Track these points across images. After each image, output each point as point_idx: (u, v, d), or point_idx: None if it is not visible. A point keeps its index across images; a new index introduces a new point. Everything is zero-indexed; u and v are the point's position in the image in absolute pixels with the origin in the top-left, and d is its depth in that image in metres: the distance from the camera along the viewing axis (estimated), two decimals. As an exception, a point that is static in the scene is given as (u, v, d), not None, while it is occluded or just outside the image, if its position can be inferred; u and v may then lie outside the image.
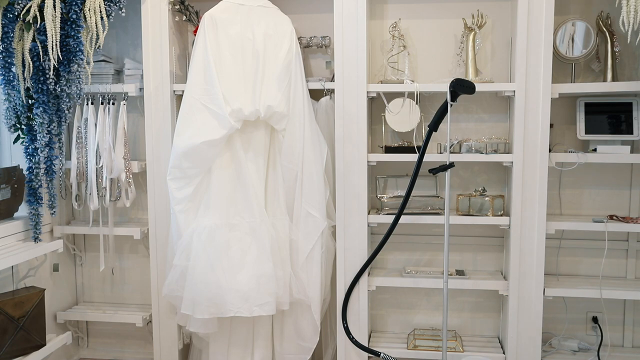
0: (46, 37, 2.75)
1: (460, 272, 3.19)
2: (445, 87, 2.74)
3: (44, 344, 2.95)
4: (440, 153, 3.07)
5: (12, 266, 2.98)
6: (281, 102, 2.97)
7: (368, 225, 3.10)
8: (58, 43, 2.77)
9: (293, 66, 3.02)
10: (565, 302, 3.20)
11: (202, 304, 2.88)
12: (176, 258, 2.97)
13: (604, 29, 2.98)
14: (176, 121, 3.11)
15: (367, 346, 3.10)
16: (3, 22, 2.73)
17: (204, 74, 2.94)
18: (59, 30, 2.77)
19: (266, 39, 2.99)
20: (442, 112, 2.75)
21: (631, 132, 2.97)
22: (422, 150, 2.81)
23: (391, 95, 3.08)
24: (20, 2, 2.75)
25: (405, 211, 2.95)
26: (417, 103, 3.03)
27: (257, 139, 3.04)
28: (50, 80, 2.83)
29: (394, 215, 2.94)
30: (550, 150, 2.93)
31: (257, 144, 3.04)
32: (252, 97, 2.94)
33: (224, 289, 2.89)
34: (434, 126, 2.78)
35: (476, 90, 2.75)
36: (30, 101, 2.90)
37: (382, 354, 2.99)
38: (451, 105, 2.70)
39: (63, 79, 2.86)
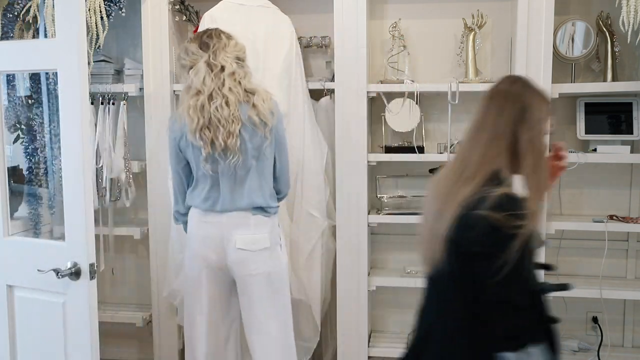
0: (46, 37, 2.75)
1: (460, 272, 3.18)
2: (445, 87, 2.74)
3: (44, 344, 2.95)
4: (440, 153, 3.07)
5: (12, 266, 2.98)
6: (282, 102, 2.95)
7: (368, 225, 3.09)
8: (58, 43, 2.77)
9: (294, 66, 3.02)
10: (565, 302, 3.19)
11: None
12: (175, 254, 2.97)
13: (604, 29, 2.98)
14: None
15: None
16: (2, 22, 2.73)
17: None
18: (58, 30, 2.77)
19: (266, 38, 2.98)
20: None
21: (631, 132, 2.97)
22: None
23: (391, 95, 3.08)
24: (19, 1, 2.75)
25: (405, 211, 2.95)
26: (417, 103, 3.03)
27: None
28: (50, 80, 2.83)
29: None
30: (550, 150, 2.93)
31: None
32: None
33: None
34: None
35: (476, 90, 2.75)
36: (30, 101, 2.90)
37: None
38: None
39: (63, 79, 2.87)
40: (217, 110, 2.31)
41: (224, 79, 2.35)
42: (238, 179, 2.41)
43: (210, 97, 2.33)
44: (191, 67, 2.41)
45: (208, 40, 2.42)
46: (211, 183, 2.42)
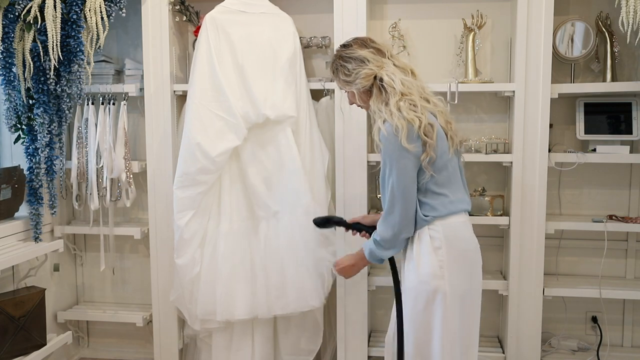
0: (47, 38, 2.75)
1: (460, 272, 3.18)
2: (445, 87, 2.75)
3: (45, 344, 2.95)
4: (440, 153, 3.07)
5: (13, 266, 2.98)
6: (291, 105, 2.95)
7: (368, 225, 3.10)
8: (58, 43, 2.77)
9: (298, 67, 3.01)
10: (564, 301, 3.20)
11: (216, 310, 2.93)
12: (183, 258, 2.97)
13: (604, 29, 2.99)
14: (177, 123, 3.13)
15: None
16: (4, 22, 2.73)
17: (211, 80, 2.90)
18: (59, 31, 2.77)
19: (270, 41, 2.97)
20: None
21: (630, 132, 2.97)
22: None
23: (391, 96, 3.08)
24: (20, 2, 2.75)
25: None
26: (417, 103, 3.03)
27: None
28: (51, 80, 2.83)
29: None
30: (549, 150, 2.94)
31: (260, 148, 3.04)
32: (259, 100, 2.89)
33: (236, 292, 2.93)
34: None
35: (476, 90, 2.76)
36: (30, 101, 2.91)
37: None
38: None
39: (63, 79, 2.87)
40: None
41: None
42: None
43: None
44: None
45: (376, 45, 2.27)
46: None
